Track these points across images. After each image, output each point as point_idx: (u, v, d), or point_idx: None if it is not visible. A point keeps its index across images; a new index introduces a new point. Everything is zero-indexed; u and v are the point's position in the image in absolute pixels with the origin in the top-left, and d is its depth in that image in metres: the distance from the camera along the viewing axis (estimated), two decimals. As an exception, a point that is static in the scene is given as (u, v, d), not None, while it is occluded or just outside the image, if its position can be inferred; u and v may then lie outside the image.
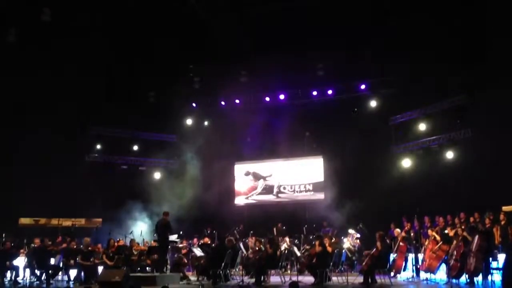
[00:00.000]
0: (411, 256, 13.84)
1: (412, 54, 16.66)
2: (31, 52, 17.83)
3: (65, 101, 18.35)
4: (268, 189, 20.94)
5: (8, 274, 14.04)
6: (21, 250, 15.04)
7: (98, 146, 20.58)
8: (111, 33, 18.12)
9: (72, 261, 14.08)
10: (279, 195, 20.75)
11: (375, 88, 19.41)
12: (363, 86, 19.51)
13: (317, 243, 12.54)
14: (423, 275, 13.07)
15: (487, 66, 15.10)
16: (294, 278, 12.16)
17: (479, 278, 11.12)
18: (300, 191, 20.46)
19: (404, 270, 13.64)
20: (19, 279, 13.93)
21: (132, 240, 15.32)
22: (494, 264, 11.39)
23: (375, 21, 16.62)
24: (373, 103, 19.30)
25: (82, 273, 13.60)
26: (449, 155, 16.93)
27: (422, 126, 18.09)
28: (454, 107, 17.02)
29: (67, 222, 19.12)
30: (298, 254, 14.70)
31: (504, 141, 14.44)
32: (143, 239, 17.05)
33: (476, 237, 10.98)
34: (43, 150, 17.96)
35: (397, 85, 18.66)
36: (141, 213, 18.99)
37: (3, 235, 16.07)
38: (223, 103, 21.46)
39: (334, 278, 12.60)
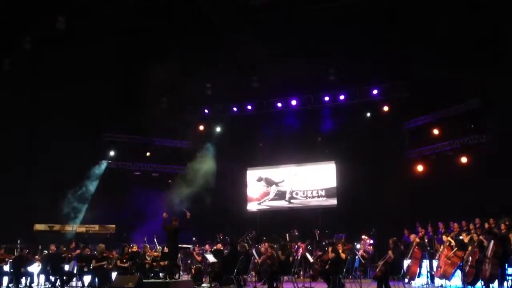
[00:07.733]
0: (425, 262, 13.71)
1: (425, 58, 16.57)
2: (45, 60, 18.09)
3: (80, 108, 18.55)
4: (280, 195, 20.89)
5: (23, 280, 14.15)
6: (36, 256, 15.14)
7: (112, 153, 20.70)
8: (125, 39, 18.28)
9: (86, 267, 14.16)
10: (292, 201, 20.69)
11: (387, 93, 19.31)
12: (375, 91, 19.43)
13: (330, 249, 12.49)
14: (437, 281, 12.93)
15: (501, 70, 14.97)
16: (307, 285, 12.13)
17: (495, 285, 10.97)
18: (313, 197, 20.38)
19: (419, 276, 13.49)
20: (34, 285, 14.04)
21: (145, 246, 15.38)
22: (510, 270, 11.23)
23: (387, 26, 16.56)
24: (385, 108, 19.19)
25: (96, 279, 13.67)
26: (463, 160, 16.78)
27: (435, 131, 17.96)
28: (468, 111, 16.91)
29: (81, 229, 19.23)
30: (311, 260, 14.63)
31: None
32: (156, 245, 17.09)
33: (492, 242, 10.84)
34: (58, 156, 18.15)
35: (410, 90, 18.58)
36: (153, 219, 19.03)
37: (18, 241, 16.23)
38: (235, 109, 21.51)
39: (347, 285, 12.52)
